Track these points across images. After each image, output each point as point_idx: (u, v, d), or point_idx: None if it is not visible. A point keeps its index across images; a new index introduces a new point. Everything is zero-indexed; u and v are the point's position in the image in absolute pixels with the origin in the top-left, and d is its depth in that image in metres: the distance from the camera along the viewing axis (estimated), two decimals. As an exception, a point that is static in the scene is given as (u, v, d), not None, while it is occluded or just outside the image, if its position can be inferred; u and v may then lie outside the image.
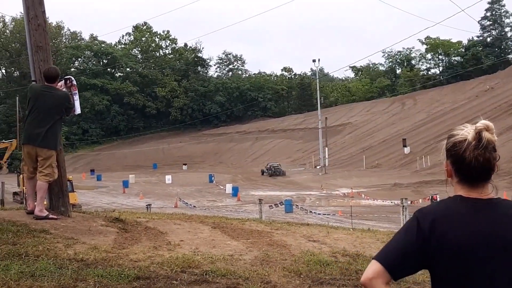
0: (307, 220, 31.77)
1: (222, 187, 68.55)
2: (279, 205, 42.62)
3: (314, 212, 41.28)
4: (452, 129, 2.93)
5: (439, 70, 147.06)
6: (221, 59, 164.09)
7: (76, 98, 10.29)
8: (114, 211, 14.87)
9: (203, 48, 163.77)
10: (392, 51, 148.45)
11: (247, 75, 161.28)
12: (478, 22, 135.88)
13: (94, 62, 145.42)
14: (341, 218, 38.15)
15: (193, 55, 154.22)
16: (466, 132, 2.78)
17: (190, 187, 71.41)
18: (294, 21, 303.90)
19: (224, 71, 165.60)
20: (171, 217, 12.81)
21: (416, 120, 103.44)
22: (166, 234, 9.72)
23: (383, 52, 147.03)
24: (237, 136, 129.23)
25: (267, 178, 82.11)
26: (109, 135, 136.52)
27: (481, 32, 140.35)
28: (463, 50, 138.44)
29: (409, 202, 26.11)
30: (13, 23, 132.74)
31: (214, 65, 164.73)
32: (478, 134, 2.73)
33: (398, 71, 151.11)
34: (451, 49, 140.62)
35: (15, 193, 50.00)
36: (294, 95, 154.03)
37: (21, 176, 39.08)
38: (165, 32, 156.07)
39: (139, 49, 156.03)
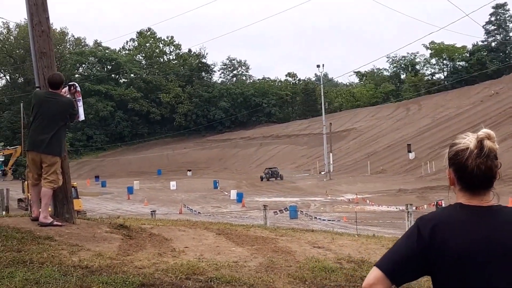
0: (312, 226, 31.71)
1: (226, 193, 68.50)
2: (283, 211, 42.58)
3: (319, 218, 41.21)
4: (455, 137, 2.95)
5: (443, 75, 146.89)
6: (225, 64, 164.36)
7: (80, 104, 10.29)
8: (119, 217, 14.87)
9: (207, 53, 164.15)
10: (396, 56, 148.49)
11: (251, 81, 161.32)
12: (483, 27, 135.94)
13: (98, 68, 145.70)
14: (346, 224, 38.09)
15: (197, 60, 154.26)
16: (468, 140, 2.82)
17: (195, 193, 71.38)
18: (298, 26, 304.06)
19: (228, 76, 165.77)
20: (176, 224, 12.80)
21: (421, 125, 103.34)
22: (171, 241, 9.70)
23: (387, 57, 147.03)
24: (241, 142, 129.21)
25: (272, 184, 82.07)
26: (113, 141, 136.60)
27: (486, 37, 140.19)
28: (468, 55, 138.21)
29: (414, 208, 26.04)
30: (17, 29, 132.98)
31: (218, 70, 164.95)
32: (480, 143, 2.78)
33: (402, 76, 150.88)
34: (456, 54, 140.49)
35: (20, 200, 50.05)
36: (298, 101, 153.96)
37: (26, 182, 39.19)
38: (169, 38, 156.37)
39: (143, 55, 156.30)
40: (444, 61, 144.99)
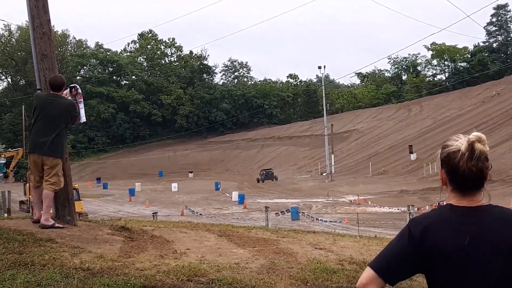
0: (313, 227, 31.71)
1: (228, 194, 68.47)
2: (285, 212, 42.54)
3: (321, 220, 41.16)
4: (447, 139, 3.04)
5: (445, 76, 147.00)
6: (226, 66, 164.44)
7: (81, 106, 10.30)
8: (120, 219, 14.87)
9: (208, 55, 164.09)
10: (398, 57, 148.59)
11: (252, 82, 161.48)
12: (484, 28, 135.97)
13: (99, 70, 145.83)
14: (347, 226, 38.05)
15: (198, 62, 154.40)
16: (460, 143, 2.92)
17: (196, 195, 71.36)
18: (299, 28, 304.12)
19: (229, 78, 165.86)
20: (177, 225, 12.80)
21: (422, 126, 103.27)
22: (172, 243, 9.69)
23: (389, 59, 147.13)
24: (243, 143, 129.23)
25: (273, 185, 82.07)
26: (115, 143, 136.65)
27: (487, 37, 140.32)
28: (469, 56, 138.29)
29: (415, 208, 26.06)
30: (19, 31, 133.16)
31: (220, 72, 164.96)
32: (471, 146, 2.88)
33: (404, 77, 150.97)
34: (457, 55, 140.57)
35: (21, 202, 50.07)
36: (299, 102, 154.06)
37: (28, 185, 39.19)
38: (171, 40, 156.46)
39: (145, 56, 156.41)
40: (446, 62, 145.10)
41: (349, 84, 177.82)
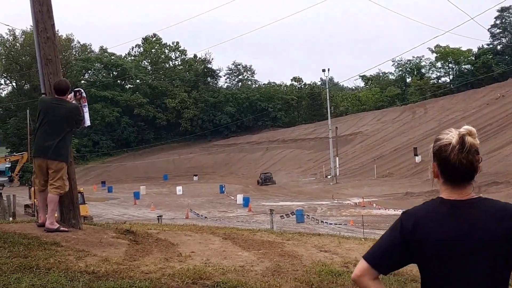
0: (318, 230, 31.67)
1: (233, 197, 68.56)
2: (290, 215, 42.60)
3: (326, 222, 41.24)
4: (438, 133, 3.14)
5: (449, 78, 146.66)
6: (230, 69, 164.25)
7: (86, 110, 10.32)
8: (125, 222, 14.91)
9: (212, 59, 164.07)
10: (402, 60, 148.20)
11: (256, 86, 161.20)
12: (488, 30, 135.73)
13: (104, 74, 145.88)
14: (352, 228, 38.08)
15: (202, 66, 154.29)
16: (451, 136, 3.01)
17: (201, 198, 71.46)
18: (303, 31, 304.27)
19: (233, 81, 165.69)
20: (182, 229, 12.82)
21: (427, 128, 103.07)
22: (177, 246, 9.70)
23: (393, 61, 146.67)
24: (247, 146, 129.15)
25: (278, 188, 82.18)
26: (119, 147, 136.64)
27: (491, 40, 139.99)
28: (473, 58, 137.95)
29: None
30: (23, 36, 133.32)
31: (224, 75, 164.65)
32: (462, 139, 2.96)
33: (408, 80, 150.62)
34: (461, 57, 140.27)
35: (26, 206, 50.20)
36: (304, 105, 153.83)
37: (33, 188, 39.27)
38: (175, 44, 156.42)
39: (149, 60, 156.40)
40: (450, 65, 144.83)
41: (353, 87, 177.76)
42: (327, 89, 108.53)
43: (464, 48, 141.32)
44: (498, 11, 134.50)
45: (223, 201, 68.27)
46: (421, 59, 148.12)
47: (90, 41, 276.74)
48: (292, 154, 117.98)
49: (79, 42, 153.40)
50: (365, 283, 3.05)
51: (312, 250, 10.35)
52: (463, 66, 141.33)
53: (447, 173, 3.02)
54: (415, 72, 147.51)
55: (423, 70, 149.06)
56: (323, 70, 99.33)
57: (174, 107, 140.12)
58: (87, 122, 10.36)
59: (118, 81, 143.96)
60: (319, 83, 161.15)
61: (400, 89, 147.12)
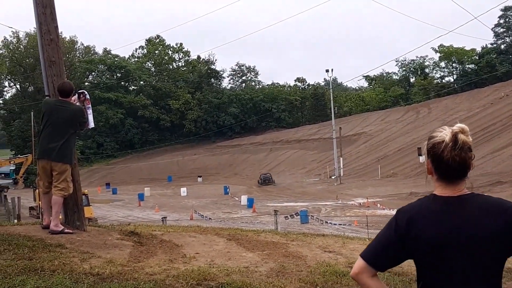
0: (322, 230, 31.69)
1: (237, 198, 68.57)
2: (294, 216, 42.57)
3: (330, 223, 41.21)
4: (432, 131, 3.21)
5: (453, 78, 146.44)
6: (234, 70, 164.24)
7: (90, 112, 10.33)
8: (130, 224, 14.90)
9: (216, 60, 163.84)
10: (405, 60, 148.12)
11: (260, 86, 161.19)
12: (492, 29, 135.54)
13: (107, 76, 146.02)
14: (357, 228, 38.06)
15: (206, 67, 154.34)
16: (444, 134, 3.07)
17: (205, 199, 71.49)
18: (307, 31, 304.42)
19: (237, 82, 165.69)
20: (186, 230, 12.81)
21: (431, 128, 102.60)
22: (182, 247, 9.70)
23: (396, 61, 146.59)
24: (251, 147, 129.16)
25: (283, 189, 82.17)
26: (123, 149, 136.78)
27: (495, 39, 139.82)
28: (477, 58, 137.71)
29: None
30: (27, 38, 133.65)
31: (227, 76, 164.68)
32: (454, 136, 3.03)
33: (412, 80, 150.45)
34: (465, 57, 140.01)
35: (31, 208, 50.23)
36: (307, 106, 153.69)
37: (37, 191, 39.31)
38: (178, 45, 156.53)
39: (152, 62, 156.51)
40: (454, 64, 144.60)
41: (357, 87, 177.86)
42: (331, 90, 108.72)
43: (467, 48, 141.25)
44: (501, 10, 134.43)
45: (228, 202, 68.28)
46: (424, 59, 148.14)
47: (93, 43, 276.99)
48: (296, 155, 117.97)
49: (82, 44, 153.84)
50: (363, 280, 3.13)
51: (317, 251, 10.34)
52: (467, 66, 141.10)
53: (441, 170, 3.08)
54: (419, 72, 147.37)
55: (426, 70, 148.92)
56: (327, 71, 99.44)
57: (178, 108, 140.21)
58: (91, 124, 10.38)
59: (122, 82, 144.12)
60: (323, 83, 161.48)
61: (403, 89, 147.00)
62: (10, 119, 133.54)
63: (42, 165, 9.77)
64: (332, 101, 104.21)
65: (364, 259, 3.14)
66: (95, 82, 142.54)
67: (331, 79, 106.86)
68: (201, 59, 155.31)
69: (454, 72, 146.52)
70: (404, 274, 8.14)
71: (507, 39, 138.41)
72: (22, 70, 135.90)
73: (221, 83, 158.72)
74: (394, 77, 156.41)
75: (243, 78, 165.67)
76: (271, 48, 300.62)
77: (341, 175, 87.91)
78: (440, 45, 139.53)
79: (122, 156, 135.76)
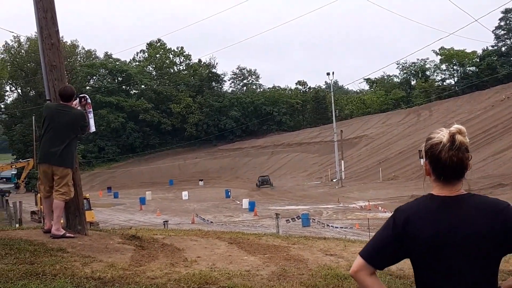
0: (324, 233, 31.69)
1: (238, 202, 68.46)
2: (296, 219, 42.55)
3: (331, 226, 41.15)
4: (430, 133, 3.30)
5: (454, 80, 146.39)
6: (235, 74, 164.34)
7: (91, 116, 10.34)
8: (131, 228, 14.90)
9: (217, 63, 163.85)
10: (406, 63, 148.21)
11: (261, 90, 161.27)
12: (492, 31, 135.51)
13: (109, 79, 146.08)
14: (358, 231, 38.03)
15: (207, 70, 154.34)
16: (442, 135, 3.16)
17: (207, 203, 71.41)
18: (308, 34, 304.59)
19: (238, 86, 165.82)
20: (188, 234, 12.82)
21: (432, 131, 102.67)
22: (183, 251, 9.71)
23: (397, 64, 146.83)
24: (252, 150, 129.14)
25: (284, 192, 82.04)
26: (125, 152, 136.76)
27: (496, 41, 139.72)
28: (478, 60, 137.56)
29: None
30: (28, 42, 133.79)
31: (229, 80, 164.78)
32: (452, 137, 3.11)
33: (413, 83, 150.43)
34: (466, 59, 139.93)
35: (33, 212, 50.23)
36: (309, 109, 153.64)
37: (39, 195, 39.31)
38: (179, 49, 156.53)
39: (154, 66, 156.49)
40: (454, 67, 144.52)
41: (358, 90, 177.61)
42: (332, 93, 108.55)
43: (468, 50, 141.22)
44: (502, 12, 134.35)
45: (229, 205, 68.21)
46: (425, 61, 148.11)
47: (94, 47, 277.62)
48: (297, 158, 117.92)
49: (84, 48, 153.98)
50: (362, 278, 3.16)
51: (318, 254, 10.34)
52: (468, 68, 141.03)
53: (438, 171, 3.13)
54: (420, 75, 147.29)
55: (427, 73, 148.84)
56: (328, 74, 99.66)
57: (179, 112, 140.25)
58: (92, 128, 10.39)
59: (123, 86, 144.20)
60: (324, 86, 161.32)
61: (405, 91, 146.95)
62: (12, 124, 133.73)
63: (43, 170, 9.78)
64: (333, 104, 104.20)
65: (363, 258, 3.19)
66: (96, 86, 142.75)
67: (332, 82, 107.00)
68: (202, 63, 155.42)
69: (455, 75, 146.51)
70: (405, 277, 8.14)
71: (508, 41, 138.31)
72: (23, 75, 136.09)
73: (222, 87, 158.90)
74: (395, 79, 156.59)
75: (244, 81, 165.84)
76: (272, 51, 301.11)
77: (343, 178, 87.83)
78: (441, 47, 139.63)
79: (123, 160, 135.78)
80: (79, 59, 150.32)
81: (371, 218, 41.31)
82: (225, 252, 9.91)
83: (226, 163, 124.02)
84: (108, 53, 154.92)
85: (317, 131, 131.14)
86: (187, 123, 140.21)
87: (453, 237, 3.00)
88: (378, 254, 3.18)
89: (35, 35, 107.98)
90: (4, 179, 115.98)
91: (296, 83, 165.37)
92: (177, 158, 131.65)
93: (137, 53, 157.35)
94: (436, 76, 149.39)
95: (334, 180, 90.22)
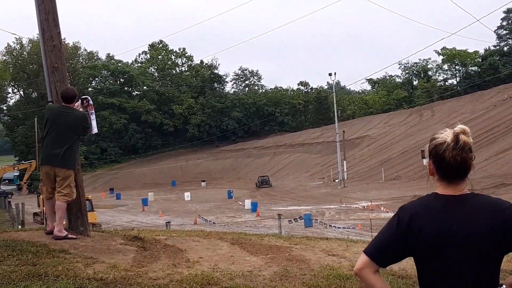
0: (326, 234, 31.68)
1: (241, 202, 68.47)
2: (298, 219, 42.52)
3: (334, 226, 41.12)
4: (434, 133, 3.33)
5: (456, 80, 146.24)
6: (237, 75, 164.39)
7: (93, 117, 10.35)
8: (133, 229, 14.92)
9: (219, 64, 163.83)
10: (408, 63, 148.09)
11: (263, 90, 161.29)
12: (494, 31, 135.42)
13: (111, 81, 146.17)
14: (361, 232, 37.98)
15: (209, 71, 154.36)
16: (446, 135, 3.19)
17: (209, 204, 71.44)
18: (310, 35, 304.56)
19: (240, 87, 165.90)
20: (190, 234, 12.82)
21: (434, 131, 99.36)
22: (185, 251, 9.71)
23: (399, 64, 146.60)
24: (254, 151, 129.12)
25: (286, 193, 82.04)
26: (127, 154, 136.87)
27: (498, 41, 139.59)
28: (480, 60, 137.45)
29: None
30: (30, 44, 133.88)
31: (231, 81, 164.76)
32: (456, 137, 3.14)
33: (415, 83, 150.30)
34: (468, 59, 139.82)
35: (35, 214, 50.25)
36: (311, 109, 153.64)
37: (41, 196, 39.34)
38: (181, 50, 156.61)
39: (156, 67, 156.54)
40: (457, 67, 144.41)
41: (360, 90, 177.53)
42: (334, 93, 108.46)
43: (470, 50, 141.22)
44: (504, 12, 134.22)
45: (231, 206, 68.21)
46: (427, 61, 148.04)
47: (96, 48, 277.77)
48: (299, 159, 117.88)
49: (85, 50, 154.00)
50: (366, 276, 3.19)
51: (320, 254, 10.34)
52: (470, 68, 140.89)
53: (442, 170, 3.17)
54: (422, 75, 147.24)
55: (429, 73, 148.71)
56: (330, 74, 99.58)
57: (181, 113, 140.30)
58: (95, 130, 10.40)
59: (125, 88, 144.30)
60: (326, 87, 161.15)
61: (407, 91, 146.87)
62: (14, 125, 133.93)
63: (45, 171, 9.79)
64: (335, 105, 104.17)
65: (367, 255, 3.22)
66: (99, 87, 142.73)
67: (334, 82, 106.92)
68: (204, 64, 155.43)
69: (457, 75, 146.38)
70: (407, 277, 8.14)
71: (510, 41, 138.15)
72: (25, 76, 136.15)
73: (224, 88, 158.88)
74: (397, 80, 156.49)
75: (246, 82, 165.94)
76: (274, 52, 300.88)
77: (345, 178, 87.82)
78: (443, 47, 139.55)
79: (125, 161, 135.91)
80: (81, 60, 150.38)
81: (374, 218, 41.32)
82: (227, 252, 9.91)
83: (228, 164, 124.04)
84: (110, 55, 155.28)
85: (319, 132, 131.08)
86: (189, 124, 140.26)
87: (456, 235, 3.04)
88: (383, 251, 3.21)
89: (37, 37, 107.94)
90: (7, 181, 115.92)
91: (298, 84, 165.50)
92: (179, 159, 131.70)
93: (139, 55, 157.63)
94: (438, 76, 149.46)
95: (337, 181, 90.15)
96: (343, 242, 13.15)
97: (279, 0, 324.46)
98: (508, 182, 60.86)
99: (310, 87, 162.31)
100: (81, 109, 10.05)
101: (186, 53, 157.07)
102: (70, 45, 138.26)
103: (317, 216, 48.73)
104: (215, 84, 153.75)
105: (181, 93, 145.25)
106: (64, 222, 9.88)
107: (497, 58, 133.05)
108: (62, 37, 10.87)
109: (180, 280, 7.27)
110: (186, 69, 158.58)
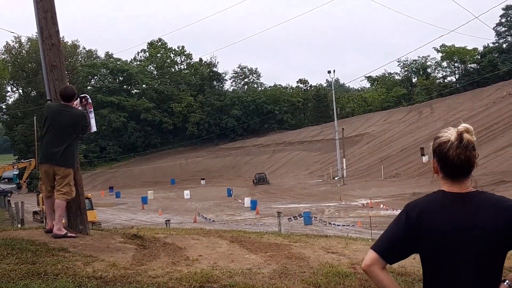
0: (326, 231, 31.64)
1: (240, 200, 68.43)
2: (298, 217, 42.53)
3: (333, 224, 41.15)
4: (438, 132, 3.36)
5: (455, 77, 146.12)
6: (236, 73, 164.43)
7: (92, 116, 10.35)
8: (133, 227, 14.90)
9: (218, 62, 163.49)
10: (407, 60, 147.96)
11: (262, 88, 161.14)
12: (493, 28, 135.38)
13: (110, 79, 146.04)
14: (360, 229, 38.01)
15: (208, 69, 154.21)
16: (450, 134, 3.25)
17: (209, 202, 71.39)
18: (309, 33, 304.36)
19: (239, 84, 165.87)
20: (189, 232, 12.82)
21: (433, 128, 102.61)
22: (185, 250, 9.71)
23: (398, 61, 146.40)
24: (254, 149, 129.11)
25: (286, 191, 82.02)
26: (126, 152, 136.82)
27: (497, 38, 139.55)
28: (479, 57, 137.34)
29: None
30: (29, 43, 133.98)
31: (230, 79, 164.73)
32: (460, 136, 3.21)
33: (414, 80, 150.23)
34: (467, 57, 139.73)
35: (35, 212, 50.19)
36: (310, 107, 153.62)
37: (41, 195, 39.31)
38: (180, 48, 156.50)
39: (155, 65, 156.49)
40: (456, 64, 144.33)
41: (359, 88, 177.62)
42: (333, 91, 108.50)
43: (469, 47, 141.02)
44: (503, 9, 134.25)
45: (231, 204, 68.17)
46: (426, 58, 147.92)
47: (95, 47, 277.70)
48: (298, 156, 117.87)
49: (84, 48, 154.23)
50: (375, 272, 3.24)
51: (319, 252, 10.34)
52: (469, 65, 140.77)
53: (446, 168, 3.25)
54: (421, 72, 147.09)
55: (428, 70, 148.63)
56: (329, 72, 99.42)
57: (181, 111, 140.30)
58: (93, 128, 10.40)
59: (124, 86, 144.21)
60: (325, 84, 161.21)
61: (406, 89, 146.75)
62: (13, 124, 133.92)
63: (44, 170, 9.79)
64: (334, 102, 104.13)
65: (376, 251, 3.27)
66: (98, 86, 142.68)
67: (333, 80, 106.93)
68: (203, 62, 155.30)
69: (456, 72, 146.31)
70: (407, 274, 8.15)
71: (509, 38, 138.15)
72: (24, 75, 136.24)
73: (223, 86, 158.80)
74: (396, 77, 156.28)
75: (245, 80, 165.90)
76: (273, 49, 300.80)
77: (344, 176, 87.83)
78: (442, 45, 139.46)
79: (125, 159, 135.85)
80: (80, 59, 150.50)
81: (373, 216, 41.32)
82: (227, 250, 9.91)
83: (228, 162, 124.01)
84: (109, 53, 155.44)
85: (318, 129, 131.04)
86: (189, 122, 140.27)
87: (461, 233, 3.11)
88: (390, 248, 3.26)
89: (35, 36, 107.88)
90: (6, 180, 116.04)
91: (298, 82, 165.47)
92: (179, 157, 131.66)
93: (138, 53, 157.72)
94: (437, 73, 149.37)
95: (336, 178, 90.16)
96: (343, 239, 13.17)
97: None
98: (507, 179, 60.87)
99: (309, 85, 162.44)
100: (80, 108, 10.04)
101: (185, 51, 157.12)
102: (69, 44, 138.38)
103: (317, 214, 48.74)
104: (214, 82, 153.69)
105: (180, 91, 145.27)
106: (63, 221, 9.87)
107: (496, 55, 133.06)
108: (61, 36, 10.87)
109: (180, 278, 7.27)
110: (185, 67, 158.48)
